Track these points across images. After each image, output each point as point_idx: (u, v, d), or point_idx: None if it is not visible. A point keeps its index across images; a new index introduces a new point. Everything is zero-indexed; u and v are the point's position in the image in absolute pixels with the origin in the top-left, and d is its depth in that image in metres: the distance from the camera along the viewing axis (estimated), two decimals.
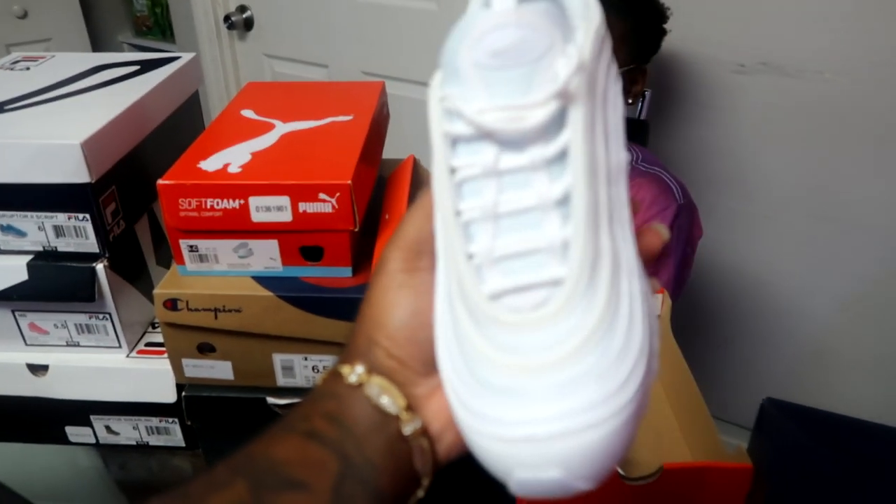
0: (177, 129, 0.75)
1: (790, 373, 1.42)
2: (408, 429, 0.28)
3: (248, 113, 0.69)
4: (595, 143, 0.25)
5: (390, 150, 0.78)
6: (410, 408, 0.29)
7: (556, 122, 0.24)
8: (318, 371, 0.62)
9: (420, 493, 0.30)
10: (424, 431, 0.29)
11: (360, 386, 0.29)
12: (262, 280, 0.60)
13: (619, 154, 0.27)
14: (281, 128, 0.66)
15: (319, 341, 0.60)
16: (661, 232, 0.31)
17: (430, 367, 0.29)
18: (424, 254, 0.29)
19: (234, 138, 0.63)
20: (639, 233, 0.29)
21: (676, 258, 1.03)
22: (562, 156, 0.25)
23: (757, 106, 1.27)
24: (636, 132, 1.21)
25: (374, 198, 0.67)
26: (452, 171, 0.26)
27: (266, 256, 0.60)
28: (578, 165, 0.24)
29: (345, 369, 0.29)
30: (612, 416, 0.23)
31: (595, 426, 0.23)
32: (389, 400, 0.28)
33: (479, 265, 0.25)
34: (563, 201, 0.24)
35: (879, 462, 0.58)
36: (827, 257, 1.33)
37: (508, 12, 0.24)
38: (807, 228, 1.33)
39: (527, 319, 0.24)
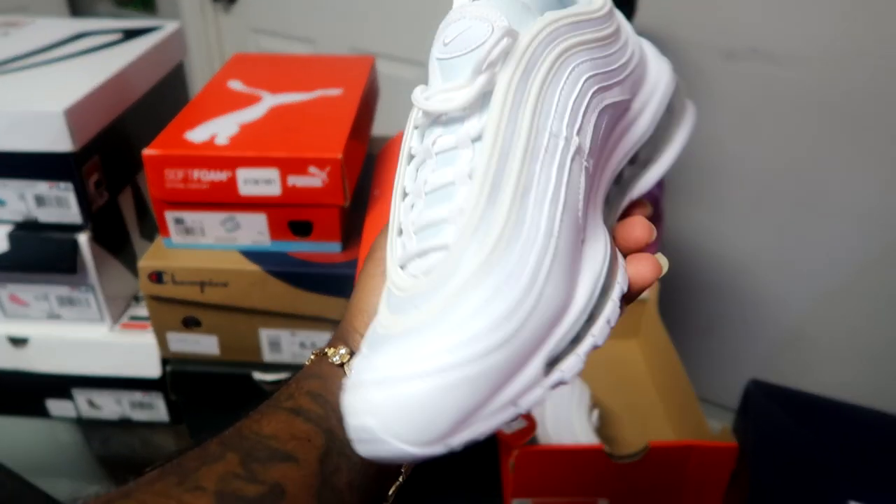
0: (161, 100, 0.74)
1: (774, 356, 1.44)
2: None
3: (235, 84, 0.67)
4: (517, 121, 0.25)
5: (379, 128, 0.77)
6: None
7: (484, 103, 0.26)
8: (305, 347, 0.61)
9: (400, 479, 0.31)
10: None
11: (341, 366, 0.30)
12: (250, 254, 0.59)
13: (558, 135, 0.26)
14: (269, 100, 0.64)
15: (307, 317, 0.60)
16: (648, 228, 0.31)
17: None
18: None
19: (222, 109, 0.62)
20: (626, 224, 0.31)
21: None
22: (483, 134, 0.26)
23: (744, 93, 1.27)
24: None
25: (364, 174, 0.66)
26: (410, 156, 0.28)
27: (254, 230, 0.59)
28: (487, 139, 0.25)
29: (330, 351, 0.31)
30: (451, 369, 0.21)
31: (423, 376, 0.21)
32: None
33: (404, 240, 0.27)
34: (472, 174, 0.25)
35: (861, 443, 0.59)
36: (810, 244, 1.35)
37: (463, 7, 0.27)
38: (791, 215, 1.34)
39: (416, 284, 0.24)
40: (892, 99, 1.17)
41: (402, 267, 0.26)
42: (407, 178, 0.28)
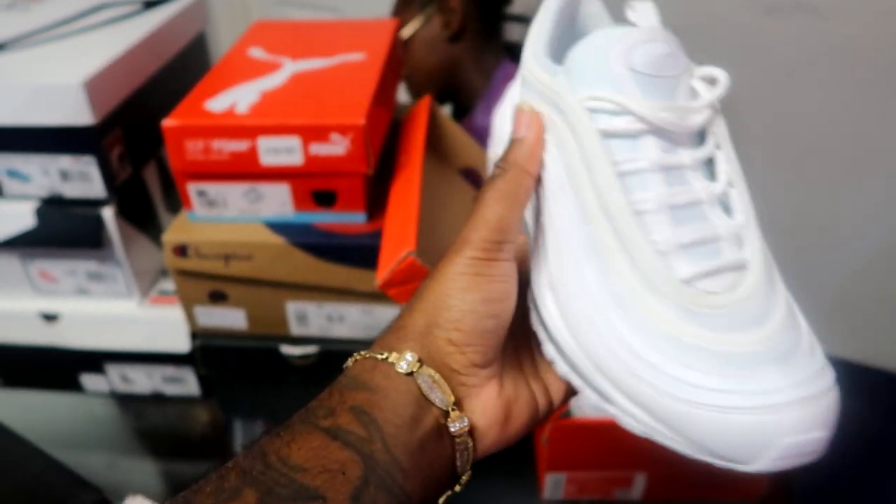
0: (183, 71, 0.72)
1: (819, 323, 1.39)
2: (455, 427, 0.26)
3: (255, 52, 0.66)
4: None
5: (404, 95, 0.74)
6: (458, 404, 0.27)
7: (702, 131, 0.28)
8: (332, 320, 0.60)
9: (457, 488, 0.28)
10: (470, 429, 0.27)
11: (408, 375, 0.26)
12: (274, 226, 0.58)
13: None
14: (290, 66, 0.62)
15: (333, 289, 0.58)
16: None
17: (489, 356, 0.28)
18: (505, 243, 0.28)
19: (242, 77, 0.60)
20: None
21: None
22: (709, 161, 0.28)
23: (788, 50, 1.21)
24: None
25: (389, 141, 0.64)
26: (614, 164, 0.26)
27: (277, 201, 0.57)
28: (733, 164, 0.28)
29: (392, 356, 0.27)
30: (832, 384, 0.24)
31: (831, 388, 0.24)
32: (439, 394, 0.26)
33: (665, 252, 0.26)
34: (723, 197, 0.27)
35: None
36: (855, 206, 1.29)
37: (657, 29, 0.27)
38: (835, 177, 1.28)
39: (730, 300, 0.25)
40: None
41: (687, 283, 0.26)
42: (626, 189, 0.26)
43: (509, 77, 0.97)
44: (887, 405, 0.56)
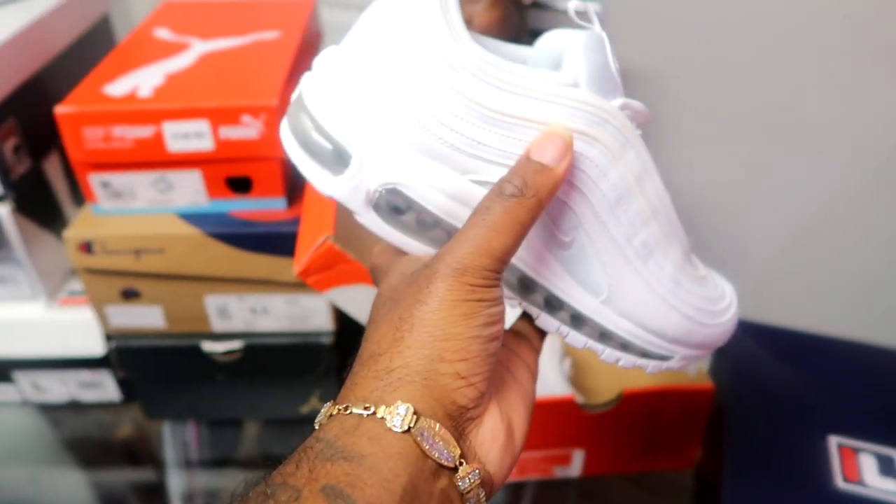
0: (87, 55, 0.67)
1: (752, 294, 1.43)
2: (465, 483, 0.23)
3: (162, 32, 0.62)
4: None
5: None
6: (463, 445, 0.24)
7: None
8: (256, 312, 0.58)
9: None
10: (481, 480, 0.24)
11: (403, 433, 0.22)
12: (188, 216, 0.54)
13: None
14: (199, 47, 0.59)
15: (255, 280, 0.56)
16: None
17: (488, 380, 0.25)
18: (504, 269, 0.25)
19: (145, 59, 0.56)
20: None
21: None
22: None
23: (710, 14, 1.23)
24: None
25: None
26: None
27: (189, 190, 0.54)
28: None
29: (381, 410, 0.22)
30: None
31: None
32: (444, 449, 0.23)
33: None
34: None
35: (842, 377, 0.57)
36: (784, 177, 1.32)
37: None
38: (762, 148, 1.31)
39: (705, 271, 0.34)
40: (876, 25, 1.14)
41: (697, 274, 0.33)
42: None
43: None
44: (815, 369, 0.57)
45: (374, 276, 0.30)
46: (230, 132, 0.51)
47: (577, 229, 0.28)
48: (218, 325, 0.58)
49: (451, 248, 0.25)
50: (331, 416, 0.23)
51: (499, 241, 0.24)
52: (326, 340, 0.58)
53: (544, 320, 0.30)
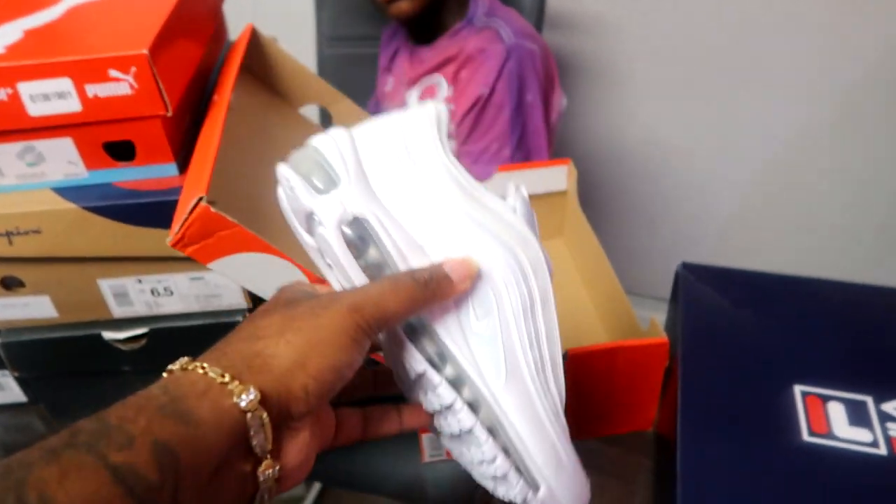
0: None
1: (720, 240, 1.39)
2: (264, 476, 0.27)
3: None
4: None
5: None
6: (275, 449, 0.27)
7: None
8: (158, 294, 0.52)
9: None
10: (277, 476, 0.27)
11: (240, 413, 0.25)
12: (64, 191, 0.48)
13: None
14: (69, 0, 0.52)
15: (152, 258, 0.49)
16: None
17: (325, 405, 0.31)
18: (383, 329, 0.29)
19: (4, 16, 0.49)
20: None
21: (510, 109, 0.93)
22: None
23: None
24: None
25: (210, 81, 0.55)
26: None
27: (63, 160, 0.47)
28: None
29: (235, 386, 0.25)
30: None
31: None
32: (262, 440, 0.26)
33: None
34: None
35: (806, 318, 0.52)
36: (746, 119, 1.27)
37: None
38: (723, 91, 1.26)
39: None
40: None
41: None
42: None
43: (485, 10, 0.97)
44: (779, 313, 0.52)
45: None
46: (98, 89, 0.44)
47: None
48: (117, 310, 0.52)
49: (357, 290, 0.30)
50: (184, 370, 0.26)
51: (393, 303, 0.29)
52: (241, 319, 0.52)
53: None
